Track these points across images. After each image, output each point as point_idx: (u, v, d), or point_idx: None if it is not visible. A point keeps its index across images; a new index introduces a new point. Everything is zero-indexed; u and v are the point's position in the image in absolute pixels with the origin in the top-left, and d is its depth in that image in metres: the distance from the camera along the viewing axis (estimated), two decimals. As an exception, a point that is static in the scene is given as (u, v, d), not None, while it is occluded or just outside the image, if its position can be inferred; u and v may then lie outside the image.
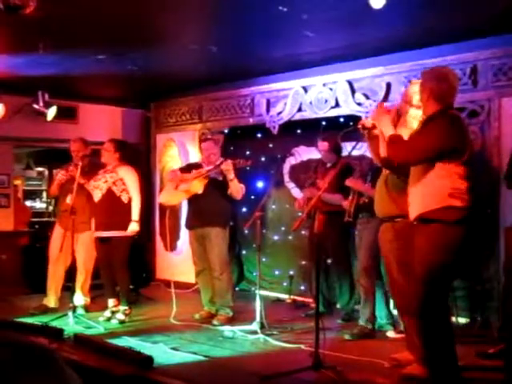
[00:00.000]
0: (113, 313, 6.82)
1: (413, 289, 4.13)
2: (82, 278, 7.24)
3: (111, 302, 6.96)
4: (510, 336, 4.39)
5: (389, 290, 5.69)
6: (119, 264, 6.83)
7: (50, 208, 12.32)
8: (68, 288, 7.13)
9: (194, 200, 6.73)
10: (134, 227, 6.74)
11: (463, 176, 3.97)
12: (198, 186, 6.58)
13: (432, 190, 3.98)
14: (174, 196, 6.92)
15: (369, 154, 6.12)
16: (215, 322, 6.57)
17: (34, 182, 12.86)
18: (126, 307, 6.82)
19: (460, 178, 3.96)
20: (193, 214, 6.87)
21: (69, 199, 6.86)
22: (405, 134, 4.48)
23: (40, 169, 12.99)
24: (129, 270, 6.90)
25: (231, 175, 6.40)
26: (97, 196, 6.86)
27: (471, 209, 3.96)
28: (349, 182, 6.07)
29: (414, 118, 4.64)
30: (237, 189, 6.55)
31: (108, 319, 6.76)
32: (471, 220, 3.98)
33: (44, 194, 12.79)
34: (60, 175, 7.14)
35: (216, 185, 6.57)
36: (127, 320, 6.74)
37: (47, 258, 7.29)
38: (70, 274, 7.08)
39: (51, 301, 7.21)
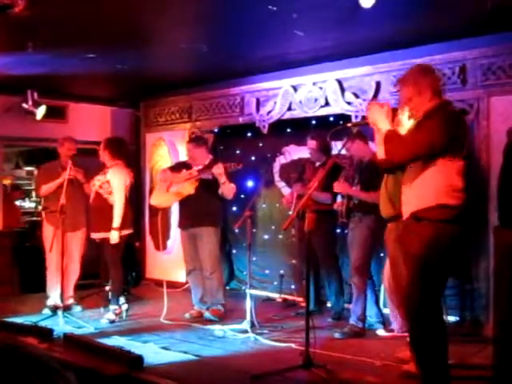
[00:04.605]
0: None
1: (405, 288, 4.13)
2: (76, 276, 7.29)
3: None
4: (499, 336, 4.40)
5: (387, 290, 5.72)
6: (110, 264, 6.86)
7: (40, 207, 12.25)
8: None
9: (185, 200, 6.74)
10: (113, 236, 6.64)
11: (461, 172, 3.94)
12: (189, 188, 6.60)
13: (427, 188, 3.94)
14: (165, 199, 6.92)
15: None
16: (207, 314, 6.60)
17: (23, 182, 12.78)
18: (117, 307, 6.81)
19: (457, 174, 3.93)
20: (185, 215, 6.87)
21: (63, 199, 6.85)
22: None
23: (29, 168, 12.93)
24: (121, 271, 6.91)
25: (223, 179, 6.41)
26: (90, 199, 6.91)
27: (464, 207, 3.95)
28: (336, 189, 6.11)
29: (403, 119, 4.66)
30: (228, 189, 6.56)
31: (99, 319, 6.75)
32: (463, 219, 3.97)
33: (33, 194, 12.71)
34: (64, 177, 6.88)
35: (207, 185, 6.57)
36: (117, 319, 6.73)
37: (41, 258, 7.27)
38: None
39: (57, 298, 7.12)
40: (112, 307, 6.80)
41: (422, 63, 4.63)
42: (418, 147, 3.91)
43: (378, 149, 4.29)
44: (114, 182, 6.77)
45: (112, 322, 6.67)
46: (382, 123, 4.14)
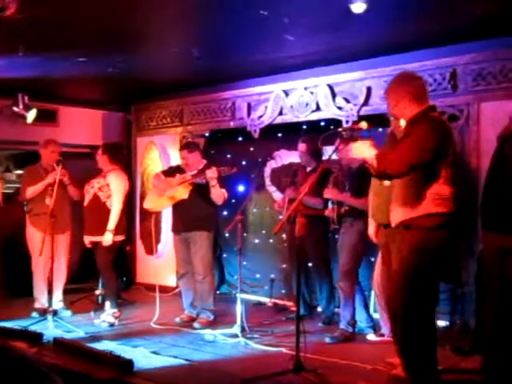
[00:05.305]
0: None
1: (395, 294, 4.13)
2: (64, 280, 7.26)
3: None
4: (484, 338, 4.41)
5: (377, 295, 5.72)
6: (101, 268, 6.88)
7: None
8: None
9: (178, 205, 6.73)
10: (106, 237, 6.68)
11: (448, 180, 3.94)
12: (183, 193, 6.60)
13: (415, 196, 3.94)
14: (159, 203, 6.91)
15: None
16: (196, 325, 6.56)
17: (14, 185, 12.73)
18: (115, 310, 6.81)
19: (445, 182, 3.92)
20: (178, 219, 6.85)
21: (48, 201, 6.82)
22: None
23: (19, 172, 12.88)
24: (114, 274, 6.92)
25: (214, 182, 6.39)
26: (86, 201, 6.89)
27: (453, 214, 3.95)
28: (327, 195, 6.12)
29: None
30: (218, 194, 6.54)
31: (98, 322, 6.74)
32: (452, 225, 3.97)
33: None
34: (51, 178, 6.95)
35: (200, 190, 6.57)
36: (117, 323, 6.72)
37: (29, 262, 7.21)
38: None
39: (45, 302, 7.04)
40: (111, 311, 6.78)
41: (405, 70, 4.62)
42: (408, 160, 3.85)
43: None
44: (114, 186, 6.80)
45: (112, 325, 6.66)
46: (368, 154, 4.03)
